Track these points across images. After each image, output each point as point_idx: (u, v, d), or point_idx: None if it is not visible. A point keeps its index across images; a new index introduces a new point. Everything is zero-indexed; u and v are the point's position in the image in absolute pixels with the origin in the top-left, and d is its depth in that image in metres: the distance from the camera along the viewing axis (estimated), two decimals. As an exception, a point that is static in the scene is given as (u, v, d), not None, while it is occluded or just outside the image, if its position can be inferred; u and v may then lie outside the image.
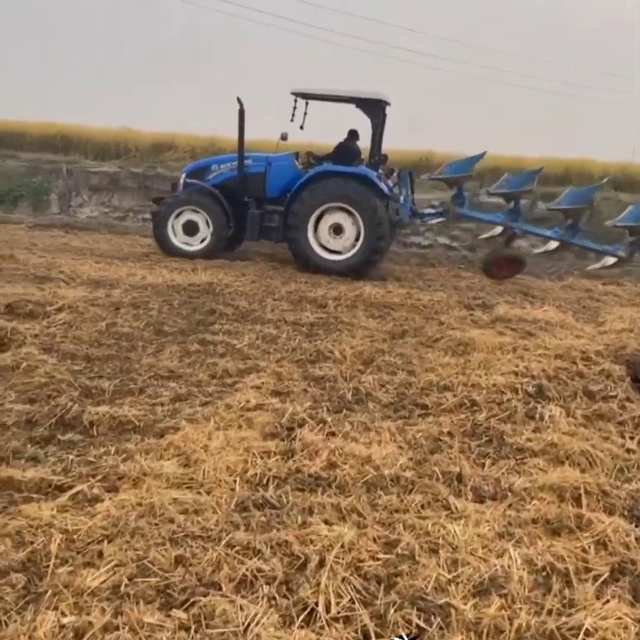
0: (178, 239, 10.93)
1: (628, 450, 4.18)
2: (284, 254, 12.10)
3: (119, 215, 16.47)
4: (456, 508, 3.30)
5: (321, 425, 4.31)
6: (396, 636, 2.39)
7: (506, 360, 5.96)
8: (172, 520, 3.08)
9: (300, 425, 4.28)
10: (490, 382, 5.32)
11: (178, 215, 10.88)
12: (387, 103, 10.86)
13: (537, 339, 6.91)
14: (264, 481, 3.53)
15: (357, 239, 10.41)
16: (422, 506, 3.32)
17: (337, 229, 10.46)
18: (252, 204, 10.88)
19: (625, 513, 3.31)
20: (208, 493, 3.38)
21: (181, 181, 11.24)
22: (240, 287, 8.64)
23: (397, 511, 3.27)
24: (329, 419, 4.40)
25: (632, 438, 4.38)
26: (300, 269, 10.41)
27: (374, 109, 10.77)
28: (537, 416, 4.69)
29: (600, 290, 10.73)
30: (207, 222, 10.82)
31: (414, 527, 3.09)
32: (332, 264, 10.40)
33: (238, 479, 3.52)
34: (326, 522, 3.12)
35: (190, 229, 10.88)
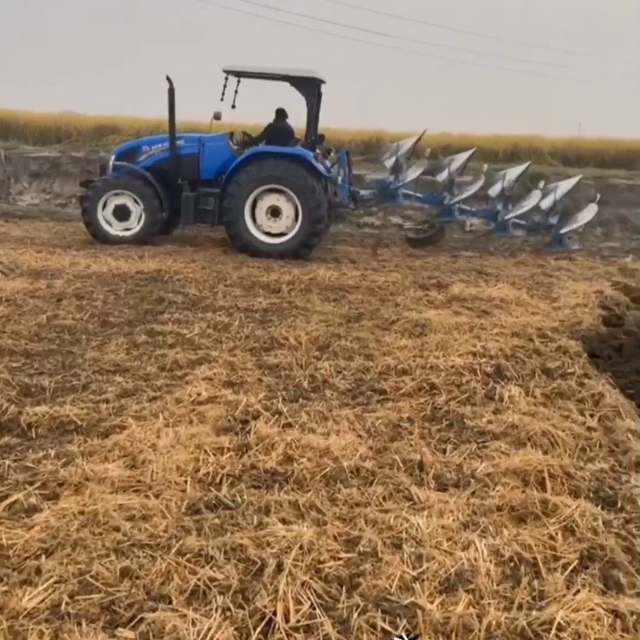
0: (108, 225, 10.46)
1: (589, 429, 4.11)
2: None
3: (61, 202, 15.89)
4: (419, 498, 3.16)
5: (277, 416, 4.12)
6: (396, 636, 2.26)
7: (463, 341, 5.87)
8: (117, 529, 2.86)
9: (255, 418, 4.09)
10: (449, 363, 5.21)
11: (107, 199, 10.41)
12: (322, 81, 10.59)
13: (493, 317, 6.85)
14: (217, 480, 3.34)
15: (295, 221, 10.16)
16: (384, 498, 3.18)
17: (274, 211, 10.19)
18: (186, 187, 10.50)
19: (591, 495, 3.22)
20: (157, 496, 3.16)
21: (110, 163, 10.77)
22: (190, 273, 8.36)
23: (358, 505, 3.12)
24: (285, 410, 4.21)
25: (592, 415, 4.32)
26: (238, 252, 10.12)
27: (309, 87, 10.51)
28: (497, 397, 4.61)
29: (553, 266, 10.77)
30: (138, 206, 10.39)
31: (376, 522, 2.94)
32: (270, 247, 10.15)
33: (189, 479, 3.31)
34: (284, 521, 2.94)
35: (122, 213, 10.42)
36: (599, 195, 12.89)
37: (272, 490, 3.25)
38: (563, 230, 12.16)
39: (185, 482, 3.30)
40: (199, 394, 4.41)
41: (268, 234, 10.22)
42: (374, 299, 7.68)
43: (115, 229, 10.46)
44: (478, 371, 5.09)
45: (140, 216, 10.40)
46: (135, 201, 10.39)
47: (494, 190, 12.22)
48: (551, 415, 4.26)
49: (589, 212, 12.29)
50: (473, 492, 3.26)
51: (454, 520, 2.98)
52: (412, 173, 11.83)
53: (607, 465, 3.57)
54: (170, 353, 5.29)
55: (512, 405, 4.44)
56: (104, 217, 10.44)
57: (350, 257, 10.78)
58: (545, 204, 12.08)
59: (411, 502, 3.14)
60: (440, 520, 2.97)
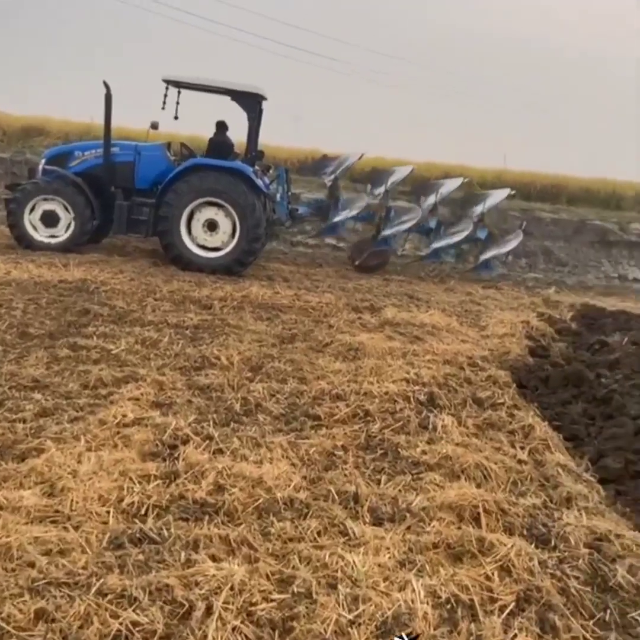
0: (34, 230, 10.01)
1: (520, 461, 4.15)
2: (166, 250, 11.53)
3: (-17, 204, 15.08)
4: (354, 534, 3.07)
5: (207, 441, 3.96)
6: (396, 636, 2.19)
7: (397, 367, 5.85)
8: (32, 565, 2.64)
9: (184, 443, 3.91)
10: (383, 390, 5.17)
11: (36, 204, 9.98)
12: (263, 97, 10.54)
13: (425, 343, 6.89)
14: (142, 511, 3.15)
15: (232, 236, 10.03)
16: (319, 533, 3.07)
17: (211, 225, 10.02)
18: (120, 195, 10.19)
19: (525, 532, 3.22)
20: (76, 528, 2.95)
21: (40, 167, 10.33)
22: (117, 285, 8.05)
23: (291, 540, 3.00)
24: (216, 434, 4.05)
25: (522, 448, 4.36)
26: (170, 264, 9.88)
27: (250, 102, 10.43)
28: (430, 426, 4.59)
29: (481, 294, 11.02)
30: (67, 212, 10.00)
31: (311, 559, 2.83)
32: (205, 260, 9.96)
33: (112, 510, 3.11)
34: (213, 558, 2.79)
35: (50, 219, 10.00)
36: (524, 223, 13.36)
37: (201, 522, 3.09)
38: (488, 255, 12.52)
39: (108, 512, 3.10)
40: (124, 416, 4.19)
41: (203, 247, 10.01)
42: (308, 319, 7.60)
43: (41, 234, 10.02)
44: (411, 399, 5.08)
45: (70, 224, 10.01)
46: (66, 208, 9.99)
47: (428, 204, 12.49)
48: (483, 446, 4.28)
49: (514, 239, 12.71)
50: (409, 527, 3.19)
51: (390, 557, 2.90)
52: (354, 208, 12.02)
53: (539, 500, 3.59)
54: (95, 369, 5.04)
55: (446, 435, 4.44)
56: (31, 221, 9.99)
57: (284, 276, 10.69)
58: (474, 212, 12.55)
59: (346, 538, 3.05)
60: (376, 558, 2.88)
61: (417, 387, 5.32)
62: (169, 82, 10.22)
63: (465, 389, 5.51)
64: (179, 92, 10.39)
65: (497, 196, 12.89)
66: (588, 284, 14.22)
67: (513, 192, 13.30)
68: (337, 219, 11.97)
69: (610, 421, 5.20)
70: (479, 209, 12.58)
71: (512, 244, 12.62)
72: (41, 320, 6.24)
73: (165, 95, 10.19)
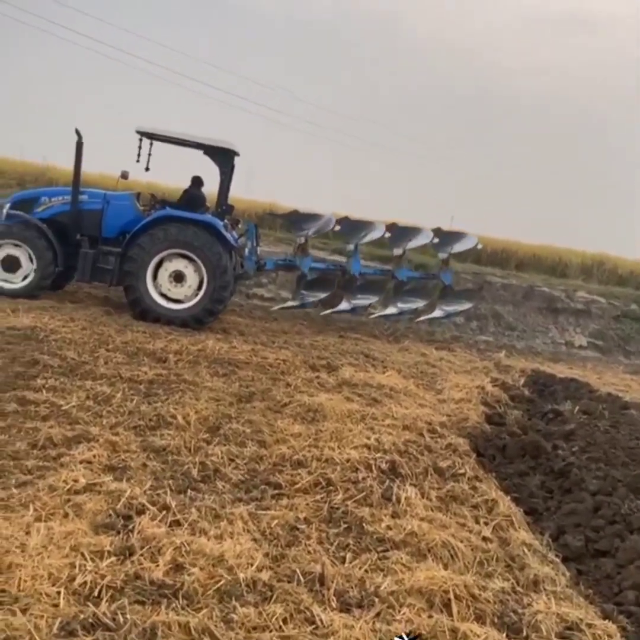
0: None
1: (485, 539, 4.08)
2: (119, 297, 11.29)
3: None
4: (322, 621, 2.92)
5: (164, 512, 3.76)
6: (396, 636, 2.16)
7: (357, 431, 5.76)
8: (-28, 657, 2.40)
9: (140, 513, 3.71)
10: (344, 456, 5.07)
11: None
12: (236, 153, 10.64)
13: (384, 407, 6.83)
14: (96, 592, 2.93)
15: (199, 288, 9.94)
16: (284, 620, 2.90)
17: (178, 277, 9.91)
18: (85, 243, 10.02)
19: (496, 620, 3.13)
20: (24, 611, 2.72)
21: (4, 211, 10.12)
22: (68, 334, 7.77)
23: (256, 628, 2.82)
24: (173, 504, 3.86)
25: (486, 524, 4.30)
26: (137, 318, 9.68)
27: (223, 158, 10.52)
28: (394, 498, 4.49)
29: (435, 356, 11.08)
30: (30, 258, 9.77)
31: (277, 652, 2.66)
32: (171, 313, 9.81)
33: (63, 591, 2.88)
34: (173, 649, 2.59)
35: (10, 264, 9.75)
36: (482, 287, 13.67)
37: (158, 607, 2.89)
38: (448, 309, 12.69)
39: (59, 593, 2.87)
40: (75, 481, 3.96)
41: (165, 296, 9.86)
42: (265, 376, 7.47)
43: (2, 280, 9.75)
44: (373, 467, 4.98)
45: (31, 269, 9.78)
46: (27, 253, 9.77)
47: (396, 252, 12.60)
48: (448, 522, 4.20)
49: (470, 302, 12.99)
50: (378, 614, 3.06)
51: (361, 649, 2.76)
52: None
53: (507, 583, 3.51)
54: (44, 427, 4.78)
55: (409, 508, 4.34)
56: None
57: (239, 329, 10.55)
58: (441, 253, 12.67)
59: (314, 626, 2.89)
60: (346, 649, 2.73)
61: (378, 454, 5.24)
62: (142, 134, 10.21)
63: (426, 457, 5.45)
64: (151, 144, 10.37)
65: (466, 243, 12.88)
66: (537, 349, 14.52)
67: (480, 246, 13.44)
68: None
69: (568, 495, 5.20)
70: (444, 254, 12.67)
71: (467, 304, 12.86)
72: (-13, 370, 5.93)
73: (140, 148, 10.17)
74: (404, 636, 2.14)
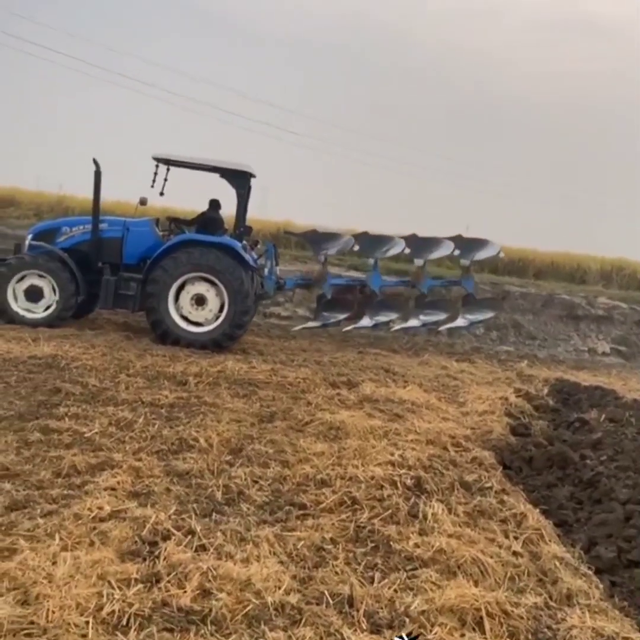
0: (19, 305, 9.91)
1: (515, 554, 4.00)
2: (137, 322, 11.38)
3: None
4: (352, 644, 2.87)
5: (189, 536, 3.74)
6: (396, 636, 2.17)
7: (381, 448, 5.71)
8: (3, 692, 2.39)
9: (165, 539, 3.69)
10: (368, 474, 5.02)
11: (21, 279, 9.91)
12: (252, 175, 10.75)
13: (407, 422, 6.78)
14: (124, 621, 2.91)
15: (220, 311, 10.01)
16: (315, 644, 2.86)
17: (199, 300, 9.99)
18: (107, 270, 10.17)
19: (530, 636, 3.06)
20: (52, 643, 2.70)
21: (26, 242, 10.33)
22: (89, 360, 7.81)
23: (286, 653, 2.79)
24: (198, 528, 3.84)
25: (516, 538, 4.22)
26: (158, 341, 9.74)
27: (240, 180, 10.63)
28: (420, 515, 4.43)
29: (456, 368, 10.99)
30: (53, 288, 9.94)
31: (309, 677, 2.62)
32: (193, 336, 9.88)
33: (91, 620, 2.87)
34: (204, 677, 2.57)
35: (34, 295, 9.92)
36: (506, 295, 13.56)
37: (187, 634, 2.86)
38: (470, 318, 12.56)
39: (87, 623, 2.86)
40: (100, 508, 3.95)
41: (185, 319, 9.92)
42: (286, 396, 7.45)
43: (25, 310, 9.92)
44: (398, 483, 4.93)
45: (54, 299, 9.93)
46: (50, 283, 9.92)
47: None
48: (477, 538, 4.13)
49: (492, 310, 12.87)
50: (409, 634, 3.00)
51: (393, 672, 2.71)
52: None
53: (540, 599, 3.44)
54: (67, 455, 4.80)
55: (437, 525, 4.28)
56: (15, 297, 9.89)
57: (258, 349, 10.57)
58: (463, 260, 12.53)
59: (345, 649, 2.85)
60: (378, 673, 2.69)
61: (403, 471, 5.18)
62: (159, 160, 10.36)
63: (451, 472, 5.38)
64: (168, 170, 10.54)
65: (489, 250, 12.61)
66: (559, 358, 14.37)
67: (502, 254, 13.27)
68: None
69: (598, 506, 5.10)
70: (466, 261, 12.53)
71: (490, 313, 12.74)
72: (10, 400, 5.98)
73: (156, 173, 10.33)
74: (404, 636, 2.10)
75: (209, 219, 10.76)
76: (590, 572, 3.95)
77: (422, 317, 12.57)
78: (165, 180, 10.52)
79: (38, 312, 9.93)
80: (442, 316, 12.59)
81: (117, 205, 13.91)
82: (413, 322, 12.53)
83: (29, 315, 9.87)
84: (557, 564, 3.88)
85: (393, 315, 12.58)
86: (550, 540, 4.22)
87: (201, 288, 9.98)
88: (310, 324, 12.50)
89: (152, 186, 10.32)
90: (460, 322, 12.58)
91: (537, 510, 4.82)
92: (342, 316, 12.25)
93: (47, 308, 9.96)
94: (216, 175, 10.63)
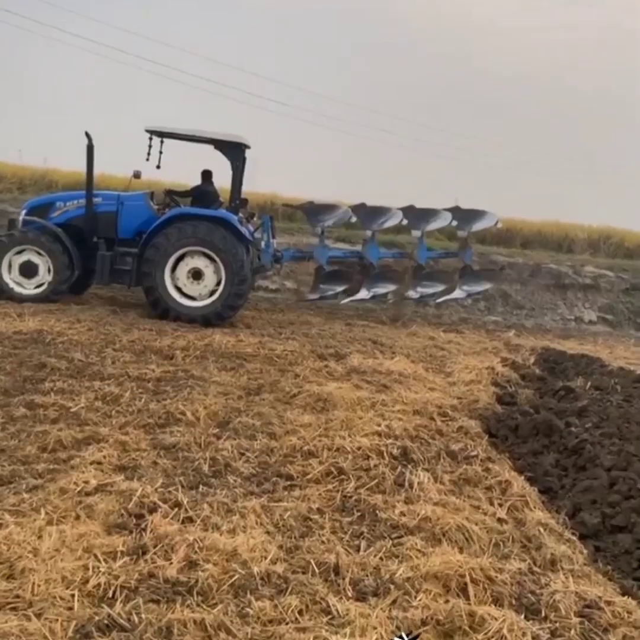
0: (11, 277, 9.80)
1: (500, 520, 4.05)
2: (124, 296, 11.31)
3: None
4: (338, 612, 2.90)
5: (176, 509, 3.75)
6: (396, 636, 2.20)
7: (367, 419, 5.73)
8: (-12, 664, 2.40)
9: (151, 511, 3.69)
10: (355, 444, 5.04)
11: (15, 254, 9.80)
12: (247, 146, 10.60)
13: (394, 392, 6.80)
14: (110, 593, 2.92)
15: (217, 285, 9.94)
16: (300, 612, 2.89)
17: (196, 274, 9.91)
18: (102, 245, 10.06)
19: (514, 602, 3.10)
20: (39, 616, 2.71)
21: (20, 218, 10.17)
22: (74, 335, 7.77)
23: (272, 622, 2.81)
24: (185, 500, 3.85)
25: (501, 505, 4.27)
26: (152, 315, 9.68)
27: (234, 151, 10.49)
28: (406, 484, 4.47)
29: (443, 339, 11.02)
30: (48, 268, 9.84)
31: (294, 644, 2.65)
32: (191, 310, 9.83)
33: (77, 593, 2.88)
34: (189, 647, 2.58)
35: (28, 270, 9.83)
36: (504, 266, 13.58)
37: (173, 605, 2.87)
38: (467, 290, 12.55)
39: (73, 596, 2.86)
40: (86, 482, 3.95)
41: (181, 292, 9.85)
42: (273, 368, 7.45)
43: (18, 285, 9.83)
44: (385, 454, 4.96)
45: (48, 275, 9.83)
46: (45, 259, 9.82)
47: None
48: (462, 505, 4.17)
49: (491, 279, 12.89)
50: (394, 602, 3.04)
51: (377, 638, 2.74)
52: None
53: (524, 564, 3.48)
54: (53, 430, 4.78)
55: (422, 494, 4.32)
56: (9, 267, 9.78)
57: (246, 322, 10.54)
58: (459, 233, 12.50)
59: (330, 617, 2.88)
60: (363, 639, 2.71)
61: (389, 441, 5.21)
62: (152, 133, 10.20)
63: (437, 441, 5.42)
64: (162, 142, 10.37)
65: (486, 221, 12.49)
66: (546, 327, 14.45)
67: (500, 225, 13.21)
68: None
69: (583, 472, 5.16)
70: (464, 233, 12.44)
71: (487, 284, 12.75)
72: (-5, 375, 5.94)
73: (150, 146, 10.15)
74: (404, 636, 2.12)
75: (203, 191, 10.61)
76: (574, 538, 4.01)
77: (419, 289, 12.51)
78: (161, 153, 10.34)
79: (28, 288, 9.85)
80: (439, 288, 12.56)
81: (105, 179, 13.69)
82: (411, 294, 12.49)
83: (17, 289, 9.79)
84: (541, 530, 3.93)
85: (391, 287, 12.54)
86: (534, 507, 4.27)
87: (198, 262, 9.89)
88: (310, 296, 12.47)
89: (147, 159, 10.15)
90: (458, 293, 12.55)
91: (522, 477, 4.87)
92: (339, 288, 12.20)
93: (39, 286, 9.87)
94: (210, 147, 10.48)
